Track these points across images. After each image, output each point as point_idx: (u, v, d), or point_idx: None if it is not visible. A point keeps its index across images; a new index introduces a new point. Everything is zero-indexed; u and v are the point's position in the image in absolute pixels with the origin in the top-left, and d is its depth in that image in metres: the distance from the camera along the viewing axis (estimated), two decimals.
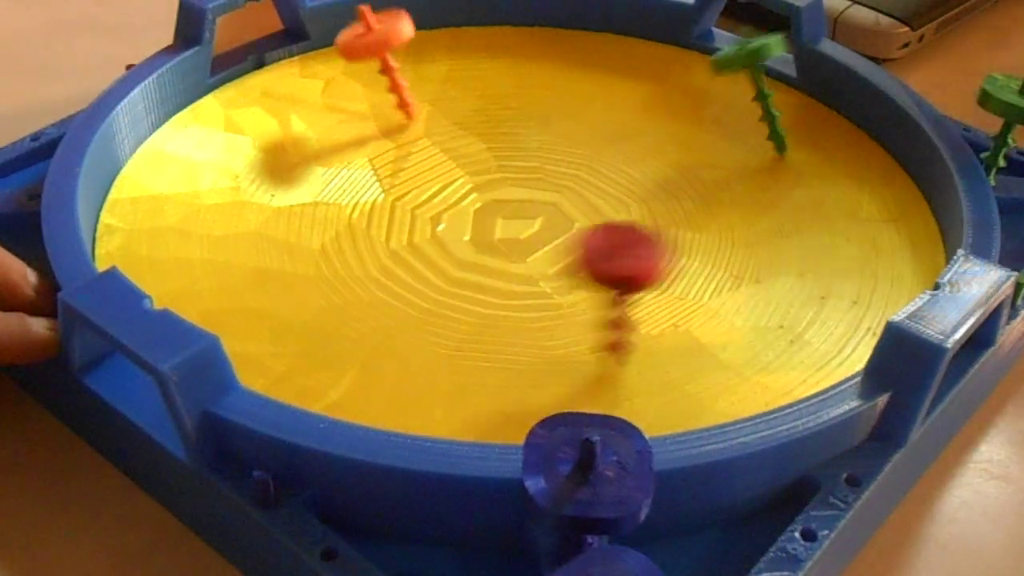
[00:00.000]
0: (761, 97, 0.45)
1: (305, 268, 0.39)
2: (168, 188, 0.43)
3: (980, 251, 0.36)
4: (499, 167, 0.45)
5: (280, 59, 0.50)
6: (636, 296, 0.35)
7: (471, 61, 0.52)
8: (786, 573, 0.28)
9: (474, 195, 0.44)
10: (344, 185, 0.44)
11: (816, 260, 0.40)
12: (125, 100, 0.43)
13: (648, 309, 0.38)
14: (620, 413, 0.28)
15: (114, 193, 0.42)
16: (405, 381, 0.35)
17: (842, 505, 0.30)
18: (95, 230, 0.40)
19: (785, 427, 0.30)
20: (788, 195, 0.44)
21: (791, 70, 0.49)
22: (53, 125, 0.45)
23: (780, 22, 0.50)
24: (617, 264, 0.33)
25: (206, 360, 0.30)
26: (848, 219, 0.42)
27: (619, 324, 0.35)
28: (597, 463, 0.26)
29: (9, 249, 0.39)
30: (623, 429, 0.27)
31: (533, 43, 0.53)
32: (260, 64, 0.50)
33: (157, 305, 0.31)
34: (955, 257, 0.34)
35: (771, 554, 0.28)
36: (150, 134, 0.45)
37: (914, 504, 0.34)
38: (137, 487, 0.34)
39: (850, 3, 0.58)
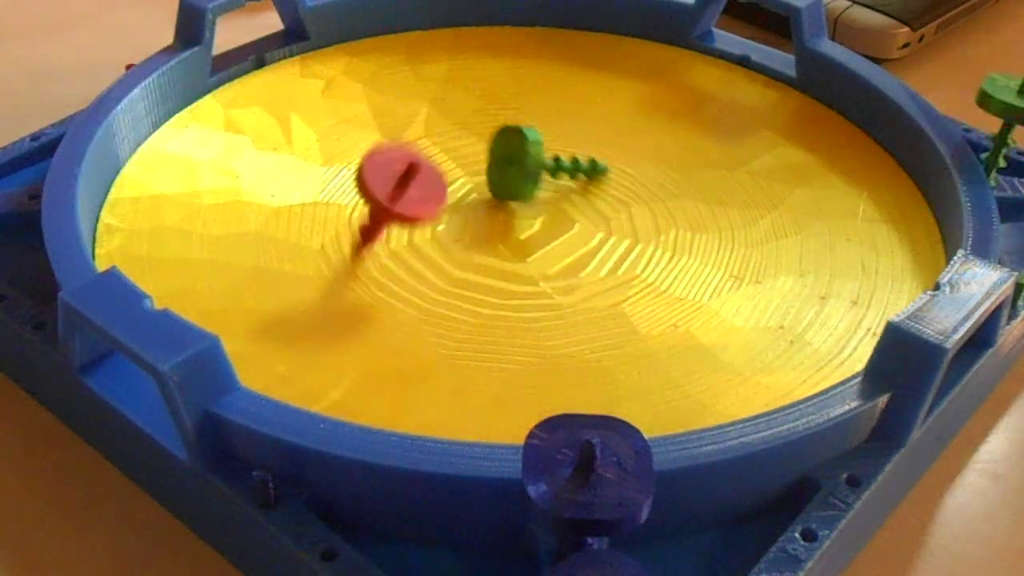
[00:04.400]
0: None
1: (305, 268, 0.39)
2: (168, 188, 0.43)
3: (980, 251, 0.36)
4: None
5: (280, 59, 0.50)
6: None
7: (471, 61, 0.52)
8: (786, 573, 0.28)
9: (474, 195, 0.44)
10: (344, 185, 0.44)
11: (816, 260, 0.40)
12: (125, 100, 0.43)
13: (648, 309, 0.38)
14: (620, 413, 0.28)
15: (114, 193, 0.42)
16: (405, 381, 0.35)
17: (842, 505, 0.30)
18: (95, 230, 0.40)
19: (785, 427, 0.30)
20: (788, 195, 0.44)
21: (791, 70, 0.49)
22: (53, 125, 0.45)
23: (780, 22, 0.50)
24: (399, 204, 0.37)
25: (206, 360, 0.30)
26: (848, 219, 0.42)
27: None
28: (597, 464, 0.26)
29: (9, 249, 0.39)
30: (622, 430, 0.27)
31: (533, 43, 0.53)
32: (260, 64, 0.50)
33: (157, 305, 0.31)
34: (955, 257, 0.34)
35: (771, 554, 0.28)
36: (150, 134, 0.45)
37: (914, 504, 0.34)
38: (137, 487, 0.34)
39: (850, 3, 0.58)
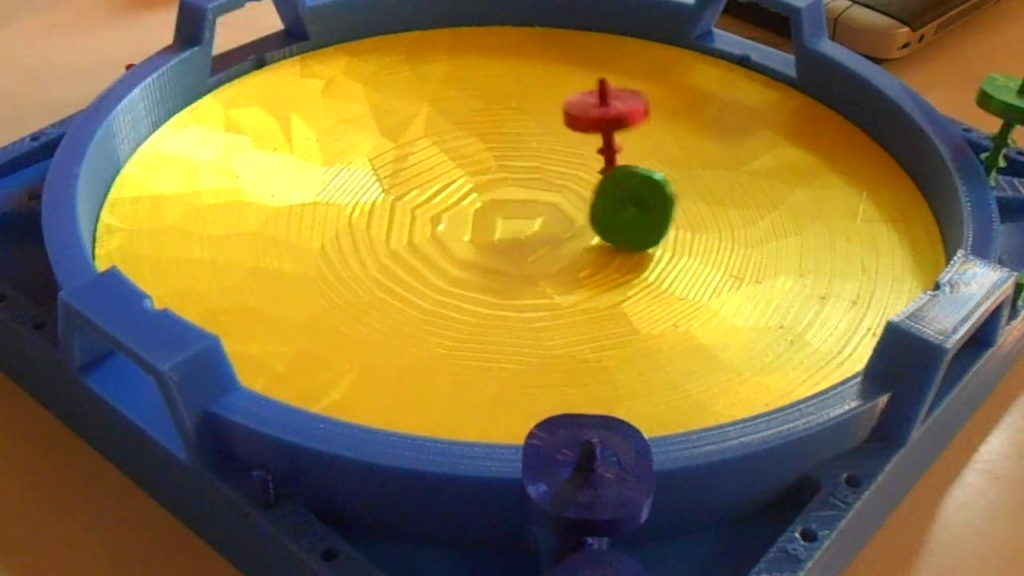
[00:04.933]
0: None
1: (305, 268, 0.39)
2: (168, 188, 0.43)
3: (980, 251, 0.37)
4: (499, 167, 0.45)
5: (280, 59, 0.50)
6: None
7: (471, 61, 0.52)
8: (786, 573, 0.28)
9: (474, 195, 0.44)
10: (344, 185, 0.44)
11: (816, 260, 0.40)
12: (125, 100, 0.43)
13: (648, 309, 0.38)
14: (620, 413, 0.28)
15: (114, 193, 0.42)
16: (405, 381, 0.35)
17: (842, 505, 0.30)
18: (95, 230, 0.40)
19: (785, 427, 0.30)
20: (788, 195, 0.44)
21: (791, 70, 0.49)
22: (53, 125, 0.45)
23: (780, 22, 0.50)
24: (602, 111, 0.41)
25: (206, 360, 0.30)
26: (848, 219, 0.42)
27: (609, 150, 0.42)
28: (597, 464, 0.26)
29: (9, 249, 0.39)
30: (622, 430, 0.27)
31: (533, 43, 0.53)
32: (260, 64, 0.50)
33: (157, 305, 0.31)
34: (955, 257, 0.34)
35: (771, 554, 0.28)
36: (150, 134, 0.45)
37: (914, 504, 0.34)
38: (137, 487, 0.34)
39: (850, 3, 0.58)
